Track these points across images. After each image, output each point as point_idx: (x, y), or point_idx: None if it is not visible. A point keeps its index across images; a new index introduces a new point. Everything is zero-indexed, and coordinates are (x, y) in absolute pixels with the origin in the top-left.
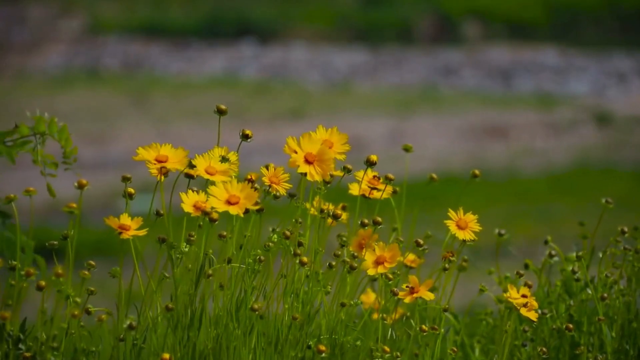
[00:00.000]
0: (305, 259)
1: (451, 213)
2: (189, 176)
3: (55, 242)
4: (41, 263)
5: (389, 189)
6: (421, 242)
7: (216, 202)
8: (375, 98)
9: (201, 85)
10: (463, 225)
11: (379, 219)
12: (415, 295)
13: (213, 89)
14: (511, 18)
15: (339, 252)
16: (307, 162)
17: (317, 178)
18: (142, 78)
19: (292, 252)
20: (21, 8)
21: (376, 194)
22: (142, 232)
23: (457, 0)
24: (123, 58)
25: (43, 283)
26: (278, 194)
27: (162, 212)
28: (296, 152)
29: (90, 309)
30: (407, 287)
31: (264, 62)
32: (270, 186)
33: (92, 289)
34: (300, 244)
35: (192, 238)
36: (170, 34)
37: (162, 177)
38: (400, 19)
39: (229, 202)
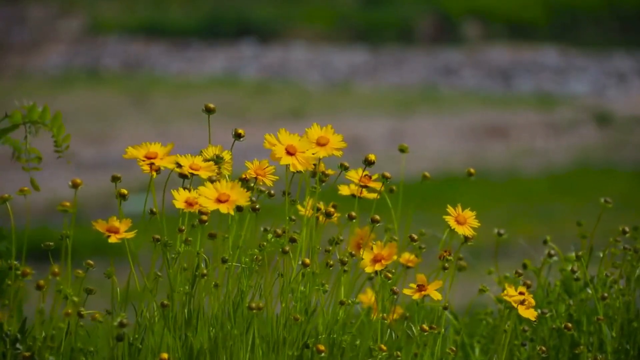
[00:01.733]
0: (307, 260)
1: (450, 209)
2: (183, 176)
3: (51, 244)
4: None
5: (379, 186)
6: (415, 237)
7: (206, 201)
8: (375, 98)
9: (201, 85)
10: (462, 220)
11: (377, 217)
12: (423, 292)
13: (213, 89)
14: (511, 18)
15: (331, 248)
16: (289, 153)
17: (300, 168)
18: (142, 78)
19: (281, 250)
20: (21, 8)
21: (367, 194)
22: (131, 235)
23: (457, 0)
24: (123, 58)
25: (42, 282)
26: (272, 192)
27: (156, 211)
28: (275, 145)
29: (82, 312)
30: (416, 285)
31: (264, 62)
32: (256, 179)
33: (92, 288)
34: (293, 240)
35: (188, 238)
36: (170, 34)
37: (154, 173)
38: (400, 19)
39: (219, 201)
